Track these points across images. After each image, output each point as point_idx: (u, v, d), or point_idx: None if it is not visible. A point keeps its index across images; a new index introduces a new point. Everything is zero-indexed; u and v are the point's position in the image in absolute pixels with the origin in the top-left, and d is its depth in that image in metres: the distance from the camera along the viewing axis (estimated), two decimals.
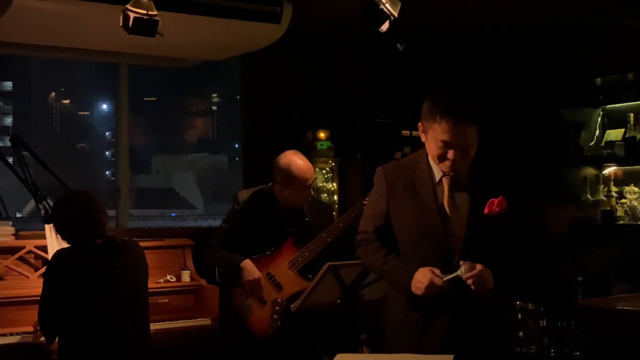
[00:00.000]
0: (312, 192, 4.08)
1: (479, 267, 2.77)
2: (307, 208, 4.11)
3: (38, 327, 3.80)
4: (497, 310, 2.99)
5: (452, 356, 2.57)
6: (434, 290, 2.80)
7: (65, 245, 3.71)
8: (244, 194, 4.18)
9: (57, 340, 3.57)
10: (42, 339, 3.77)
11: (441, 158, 2.87)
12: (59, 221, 3.62)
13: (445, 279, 2.79)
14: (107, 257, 3.57)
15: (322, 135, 6.06)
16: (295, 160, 4.01)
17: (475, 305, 2.85)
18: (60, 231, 3.62)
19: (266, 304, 3.96)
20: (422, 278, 2.82)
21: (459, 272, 2.78)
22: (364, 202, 3.94)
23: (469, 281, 2.77)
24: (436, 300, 2.84)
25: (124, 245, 3.66)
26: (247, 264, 3.97)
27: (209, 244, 4.18)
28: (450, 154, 2.84)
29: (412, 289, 2.85)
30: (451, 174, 2.91)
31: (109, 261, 3.56)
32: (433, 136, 2.86)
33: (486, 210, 2.86)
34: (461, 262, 2.79)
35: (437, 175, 2.94)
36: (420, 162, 3.01)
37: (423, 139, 2.96)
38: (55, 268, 3.55)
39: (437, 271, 2.81)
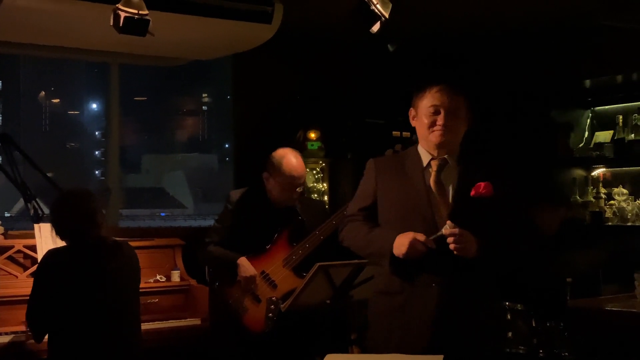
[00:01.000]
0: (296, 194, 4.09)
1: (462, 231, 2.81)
2: (299, 207, 4.14)
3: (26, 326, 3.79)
4: (484, 304, 3.00)
5: (441, 356, 2.58)
6: (416, 248, 2.83)
7: (57, 244, 3.70)
8: (236, 194, 4.20)
9: (46, 339, 3.56)
10: (31, 340, 3.76)
11: (431, 125, 2.98)
12: (55, 219, 3.62)
13: (429, 238, 2.83)
14: (99, 257, 3.57)
15: (312, 135, 6.06)
16: (289, 156, 4.07)
17: (461, 295, 2.88)
18: (56, 229, 3.61)
19: (261, 303, 3.97)
20: (403, 238, 2.86)
21: (442, 230, 2.82)
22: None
23: (450, 239, 2.80)
24: (420, 285, 2.88)
25: (116, 246, 3.66)
26: (243, 260, 4.00)
27: (202, 243, 4.19)
28: (440, 118, 2.96)
29: (395, 250, 2.88)
30: (441, 156, 2.98)
31: (100, 262, 3.56)
32: (423, 107, 3.00)
33: (472, 193, 2.91)
34: (448, 221, 2.83)
35: (425, 160, 3.03)
36: (409, 152, 3.11)
37: (414, 123, 3.08)
38: (46, 267, 3.55)
39: (420, 234, 2.85)
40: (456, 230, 2.80)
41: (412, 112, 3.09)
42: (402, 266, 2.91)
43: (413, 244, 2.83)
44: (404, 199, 2.99)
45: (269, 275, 4.01)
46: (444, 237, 2.82)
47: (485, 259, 2.89)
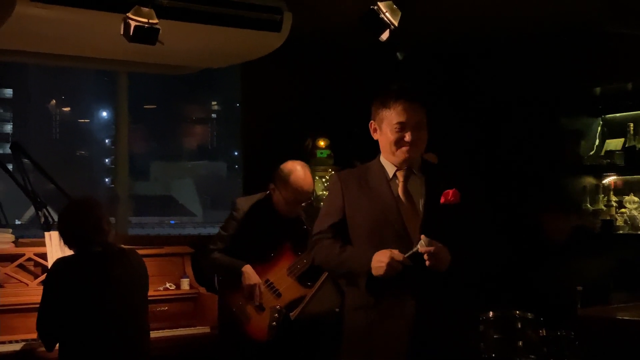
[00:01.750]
0: (300, 208, 4.09)
1: (436, 244, 2.82)
2: (304, 216, 4.13)
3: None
4: (460, 313, 3.00)
5: None
6: (395, 268, 2.83)
7: (65, 252, 3.71)
8: (242, 201, 4.20)
9: (57, 348, 3.57)
10: (43, 348, 3.76)
11: (398, 143, 2.99)
12: (62, 228, 3.63)
13: (405, 255, 2.84)
14: (106, 265, 3.57)
15: (321, 143, 6.06)
16: (298, 169, 4.05)
17: (437, 305, 2.89)
18: (63, 238, 3.62)
19: (265, 311, 3.97)
20: (382, 257, 2.86)
21: (418, 246, 2.83)
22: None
23: (425, 255, 2.81)
24: (396, 298, 2.88)
25: (123, 254, 3.66)
26: (248, 268, 3.99)
27: (206, 249, 4.19)
28: (407, 135, 2.97)
29: (373, 270, 2.88)
30: (405, 167, 3.01)
31: (107, 270, 3.56)
32: (388, 123, 3.00)
33: (442, 200, 2.94)
34: (422, 236, 2.84)
35: (390, 171, 3.05)
36: (371, 165, 3.13)
37: (376, 136, 3.09)
38: (55, 276, 3.56)
39: (396, 251, 2.85)
40: (431, 248, 2.82)
41: (372, 124, 3.09)
42: (378, 283, 2.90)
43: (391, 264, 2.83)
44: (374, 212, 2.99)
45: (273, 284, 4.01)
46: (418, 253, 2.83)
47: (457, 269, 2.90)
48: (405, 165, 3.03)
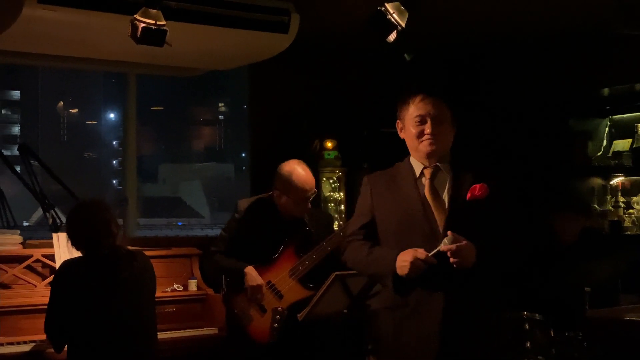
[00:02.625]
0: (309, 205, 4.08)
1: (462, 240, 2.80)
2: (307, 218, 4.12)
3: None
4: (491, 309, 2.98)
5: None
6: (418, 267, 2.82)
7: (73, 254, 3.72)
8: (244, 203, 4.19)
9: (65, 349, 3.58)
10: (51, 349, 3.78)
11: (419, 135, 2.99)
12: (70, 230, 3.64)
13: (428, 254, 2.82)
14: (113, 267, 3.57)
15: (329, 144, 6.07)
16: (297, 169, 4.03)
17: (467, 301, 2.87)
18: (72, 239, 3.63)
19: (266, 313, 3.96)
20: (406, 256, 2.86)
21: (441, 244, 2.81)
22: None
23: (448, 253, 2.80)
24: (425, 297, 2.87)
25: (131, 256, 3.66)
26: (251, 270, 3.99)
27: (209, 251, 4.19)
28: (427, 127, 2.97)
29: (398, 270, 2.87)
30: (432, 164, 3.00)
31: (114, 271, 3.56)
32: (409, 118, 3.02)
33: (468, 196, 2.92)
34: (449, 233, 2.82)
35: (418, 170, 3.04)
36: (401, 165, 3.13)
37: (402, 135, 3.10)
38: (62, 278, 3.56)
39: (421, 250, 2.84)
40: (453, 247, 2.80)
41: (399, 124, 3.11)
42: (405, 283, 2.90)
43: (414, 263, 2.83)
44: (400, 211, 2.99)
45: (275, 285, 4.01)
46: (444, 251, 2.82)
47: (484, 267, 2.88)
48: (433, 162, 3.01)
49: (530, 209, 4.18)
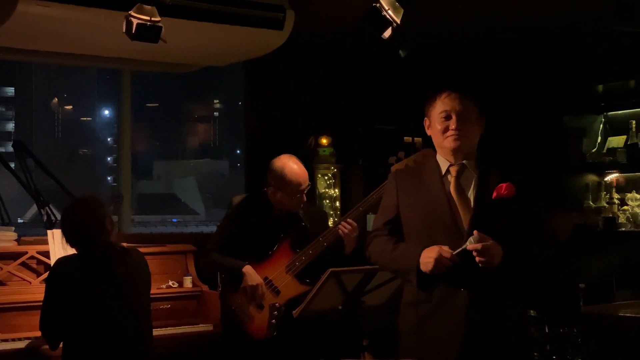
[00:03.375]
0: (304, 198, 4.08)
1: (488, 240, 2.79)
2: (302, 213, 4.12)
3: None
4: (513, 309, 2.98)
5: None
6: (443, 264, 2.82)
7: (68, 251, 3.71)
8: (238, 199, 4.19)
9: (61, 346, 3.57)
10: (46, 346, 3.77)
11: (445, 131, 2.99)
12: (65, 227, 3.63)
13: (453, 252, 2.82)
14: (108, 264, 3.57)
15: (324, 141, 6.07)
16: (289, 164, 4.02)
17: (490, 300, 2.87)
18: (66, 237, 3.63)
19: (264, 309, 3.96)
20: (430, 253, 2.85)
21: (467, 243, 2.80)
22: (361, 207, 3.98)
23: (474, 252, 2.79)
24: (448, 294, 2.87)
25: (125, 253, 3.66)
26: (249, 269, 3.97)
27: (204, 249, 4.18)
28: (452, 123, 2.97)
29: (422, 266, 2.87)
30: (459, 162, 2.99)
31: (109, 268, 3.56)
32: (435, 114, 3.02)
33: (494, 195, 2.91)
34: (475, 232, 2.81)
35: (444, 167, 3.03)
36: (427, 160, 3.13)
37: (429, 132, 3.08)
38: (57, 276, 3.55)
39: (446, 247, 2.84)
40: (479, 246, 2.78)
41: (426, 121, 3.10)
42: (428, 279, 2.90)
43: (439, 260, 2.83)
44: (425, 208, 2.99)
45: (271, 281, 4.00)
46: (469, 250, 2.81)
47: (510, 266, 2.87)
48: (459, 160, 3.01)
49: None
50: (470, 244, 2.79)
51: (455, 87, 3.03)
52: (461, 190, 2.98)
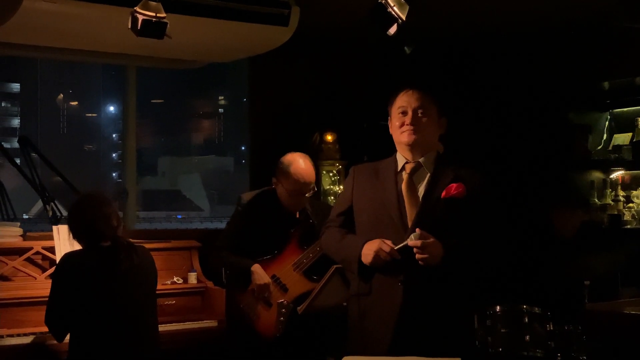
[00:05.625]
0: (306, 200, 4.08)
1: (430, 238, 2.85)
2: (310, 210, 4.12)
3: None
4: (451, 305, 3.00)
5: (459, 359, 2.58)
6: (381, 257, 2.91)
7: (74, 246, 3.73)
8: (247, 196, 4.19)
9: (67, 340, 3.59)
10: (52, 340, 3.79)
11: (401, 125, 3.07)
12: (71, 223, 3.65)
13: (395, 248, 2.90)
14: (114, 259, 3.58)
15: (329, 137, 6.07)
16: (298, 161, 4.03)
17: (426, 294, 2.93)
18: (73, 232, 3.64)
19: (272, 307, 3.97)
20: (371, 245, 2.95)
21: (408, 240, 2.87)
22: None
23: (414, 249, 2.85)
24: (387, 287, 2.95)
25: (131, 248, 3.67)
26: (257, 268, 3.97)
27: (213, 246, 4.19)
28: (408, 117, 3.05)
29: (362, 258, 2.97)
30: (416, 160, 3.05)
31: (115, 264, 3.57)
32: (394, 111, 3.12)
33: (443, 194, 2.97)
34: (417, 229, 2.88)
35: (401, 164, 3.11)
36: (388, 159, 3.20)
37: (390, 130, 3.18)
38: (63, 271, 3.57)
39: (388, 241, 2.92)
40: (418, 243, 2.85)
41: (389, 120, 3.18)
42: (370, 271, 2.98)
43: (378, 253, 2.91)
44: (376, 202, 3.07)
45: (279, 279, 4.01)
46: (409, 246, 2.86)
47: (449, 265, 2.91)
48: (416, 158, 3.06)
49: (511, 209, 4.21)
50: (411, 241, 2.85)
51: (413, 85, 3.11)
52: (412, 188, 3.04)
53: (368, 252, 2.95)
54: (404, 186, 3.04)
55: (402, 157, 3.11)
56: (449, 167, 3.07)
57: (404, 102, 3.08)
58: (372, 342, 2.98)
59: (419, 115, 3.04)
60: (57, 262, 3.74)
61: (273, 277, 4.00)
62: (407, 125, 3.04)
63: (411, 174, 3.06)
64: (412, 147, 3.05)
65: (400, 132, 3.07)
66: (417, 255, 2.86)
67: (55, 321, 3.58)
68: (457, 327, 3.05)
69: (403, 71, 6.00)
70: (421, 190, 3.03)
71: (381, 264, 2.92)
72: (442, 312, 2.96)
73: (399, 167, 3.09)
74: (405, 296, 2.93)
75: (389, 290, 2.96)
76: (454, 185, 2.95)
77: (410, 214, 2.99)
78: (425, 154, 3.08)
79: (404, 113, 3.06)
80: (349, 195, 3.18)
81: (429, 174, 3.05)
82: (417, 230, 2.87)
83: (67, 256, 3.64)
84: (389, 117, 3.17)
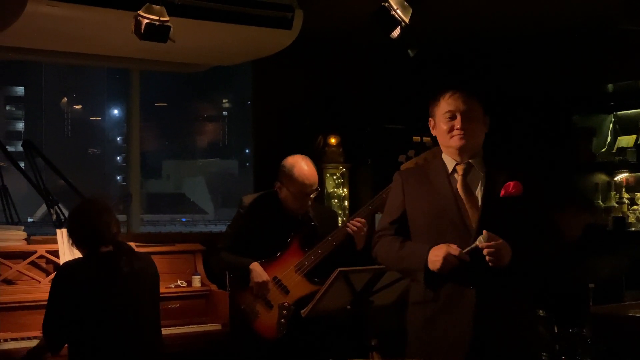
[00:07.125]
0: (309, 202, 4.08)
1: (498, 239, 2.79)
2: (313, 213, 4.13)
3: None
4: (521, 309, 2.97)
5: None
6: (451, 262, 2.82)
7: (76, 251, 3.71)
8: (249, 199, 4.20)
9: (67, 347, 3.56)
10: None
11: (449, 130, 3.00)
12: (71, 231, 3.63)
13: (463, 251, 2.82)
14: (115, 265, 3.55)
15: (332, 140, 6.07)
16: (300, 163, 4.03)
17: (498, 299, 2.87)
18: (72, 240, 3.62)
19: (273, 308, 3.97)
20: (438, 251, 2.86)
21: (477, 242, 2.80)
22: (370, 206, 3.98)
23: (485, 251, 2.78)
24: (456, 292, 2.87)
25: (132, 253, 3.65)
26: (256, 266, 3.99)
27: (215, 248, 4.19)
28: (457, 123, 2.98)
29: (430, 265, 2.88)
30: (465, 161, 2.99)
31: (116, 270, 3.54)
32: (440, 114, 3.03)
33: (502, 193, 2.92)
34: (484, 231, 2.81)
35: (450, 166, 3.04)
36: (433, 161, 3.14)
37: (434, 133, 3.09)
38: (62, 281, 3.51)
39: (454, 246, 2.84)
40: (491, 243, 2.79)
41: (431, 122, 3.11)
42: (437, 277, 2.89)
43: (447, 258, 2.82)
44: (433, 207, 2.99)
45: (281, 281, 4.01)
46: (478, 249, 2.80)
47: (518, 265, 2.86)
48: (465, 159, 3.02)
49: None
50: (481, 243, 2.79)
51: (459, 87, 3.03)
52: (468, 189, 2.98)
53: (435, 258, 2.85)
54: (459, 188, 2.98)
55: (450, 159, 3.05)
56: (501, 165, 3.03)
57: (451, 106, 3.00)
58: (447, 349, 2.90)
59: (468, 118, 2.99)
60: (55, 272, 3.69)
61: (274, 278, 4.00)
62: (457, 129, 2.97)
63: (464, 175, 3.01)
64: (463, 150, 3.00)
65: (450, 137, 3.00)
66: (487, 257, 2.79)
67: (53, 332, 3.51)
68: (528, 328, 3.04)
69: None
70: (478, 190, 2.98)
71: (449, 269, 2.84)
72: (515, 314, 2.93)
73: (450, 170, 3.03)
74: (479, 300, 2.86)
75: (459, 295, 2.89)
76: (512, 183, 2.91)
77: (470, 215, 2.93)
78: (474, 155, 3.03)
79: (453, 117, 2.99)
80: (401, 202, 3.08)
81: (482, 174, 3.00)
82: (485, 232, 2.80)
83: (67, 265, 3.60)
84: (432, 120, 3.09)
